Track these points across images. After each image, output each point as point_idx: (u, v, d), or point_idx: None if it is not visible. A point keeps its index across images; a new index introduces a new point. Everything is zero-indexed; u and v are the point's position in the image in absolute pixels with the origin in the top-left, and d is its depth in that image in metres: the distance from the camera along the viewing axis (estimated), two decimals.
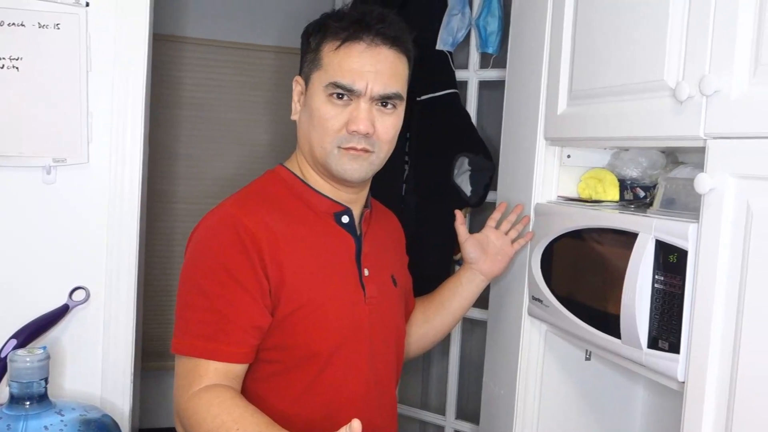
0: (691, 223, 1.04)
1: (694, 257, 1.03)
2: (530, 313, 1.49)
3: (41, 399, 1.11)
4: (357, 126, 1.10)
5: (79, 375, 1.35)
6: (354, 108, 1.11)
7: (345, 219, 1.18)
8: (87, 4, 1.28)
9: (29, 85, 1.26)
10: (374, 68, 1.11)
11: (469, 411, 2.11)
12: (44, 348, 1.14)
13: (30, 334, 1.26)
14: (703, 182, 0.99)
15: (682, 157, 1.39)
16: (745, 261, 0.94)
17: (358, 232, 1.21)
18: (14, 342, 1.24)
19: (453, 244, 2.08)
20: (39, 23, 1.24)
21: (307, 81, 1.16)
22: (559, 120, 1.42)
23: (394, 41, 1.14)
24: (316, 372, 1.11)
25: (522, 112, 1.57)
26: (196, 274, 1.08)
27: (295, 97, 1.18)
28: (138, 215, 1.36)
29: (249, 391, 1.10)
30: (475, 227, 2.17)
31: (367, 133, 1.11)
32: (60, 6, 1.25)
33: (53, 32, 1.25)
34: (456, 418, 2.14)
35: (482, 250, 1.46)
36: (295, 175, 1.19)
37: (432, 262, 1.95)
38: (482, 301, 1.92)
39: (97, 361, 1.36)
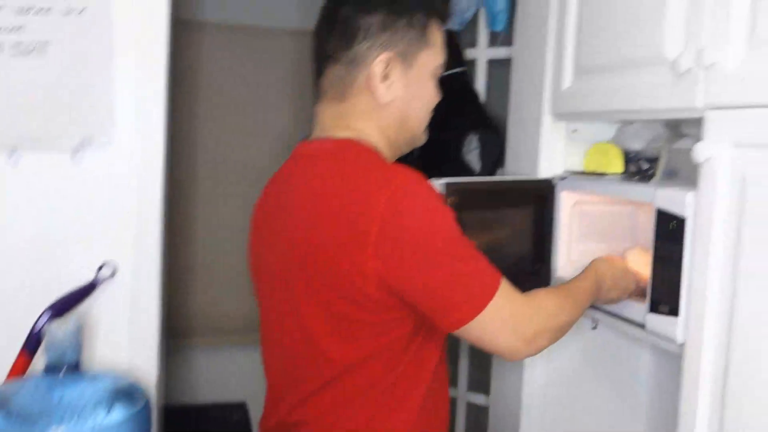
0: (689, 191, 1.08)
1: (692, 224, 1.07)
2: None
3: (74, 368, 1.17)
4: (439, 99, 1.16)
5: (108, 347, 1.41)
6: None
7: None
8: None
9: (56, 68, 1.31)
10: None
11: (483, 382, 2.16)
12: (76, 319, 1.20)
13: (61, 307, 1.33)
14: (700, 151, 1.03)
15: (685, 130, 1.43)
16: (740, 227, 0.98)
17: None
18: (48, 315, 1.31)
19: None
20: (66, 8, 1.29)
21: (407, 59, 1.08)
22: (565, 95, 1.46)
23: None
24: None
25: (529, 88, 1.61)
26: (451, 237, 1.00)
27: (380, 77, 1.07)
28: (162, 194, 1.42)
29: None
30: None
31: None
32: None
33: (78, 17, 1.30)
34: (468, 390, 2.20)
35: None
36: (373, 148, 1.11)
37: None
38: None
39: (123, 335, 1.42)
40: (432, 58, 1.11)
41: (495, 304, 0.99)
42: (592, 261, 1.26)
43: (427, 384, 1.09)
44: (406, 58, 1.08)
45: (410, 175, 0.99)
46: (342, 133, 1.09)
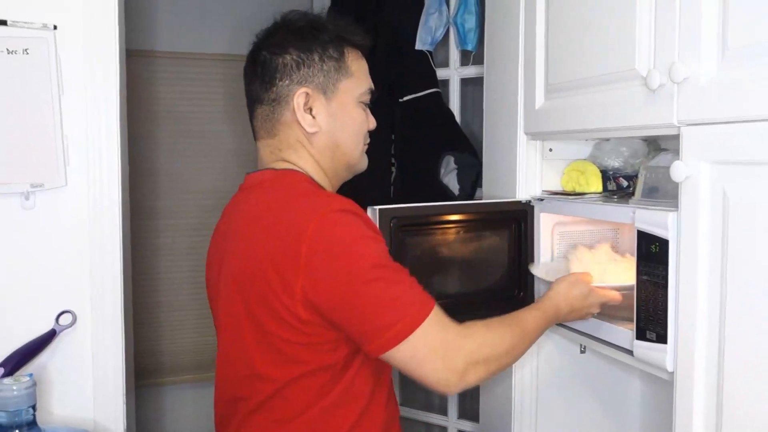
0: (671, 212, 1.03)
1: (676, 246, 1.02)
2: None
3: (30, 426, 1.10)
4: (373, 125, 1.19)
5: (71, 399, 1.34)
6: (367, 110, 1.18)
7: None
8: (55, 27, 1.27)
9: (2, 111, 1.25)
10: None
11: (473, 410, 2.10)
12: (30, 375, 1.13)
13: (18, 361, 1.26)
14: (678, 170, 0.98)
15: (664, 144, 1.39)
16: (725, 247, 0.93)
17: None
18: (2, 371, 1.23)
19: None
20: (7, 49, 1.23)
21: (328, 90, 1.12)
22: (538, 114, 1.41)
23: None
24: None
25: (501, 108, 1.57)
26: (380, 262, 1.00)
27: (302, 110, 1.11)
28: (120, 235, 1.35)
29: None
30: None
31: None
32: (27, 31, 1.25)
33: (23, 57, 1.24)
34: (458, 418, 2.14)
35: None
36: (310, 178, 1.14)
37: None
38: None
39: (87, 385, 1.35)
40: (354, 86, 1.15)
41: (424, 330, 0.97)
42: (553, 283, 1.24)
43: (363, 410, 1.07)
44: (326, 89, 1.13)
45: (341, 202, 1.02)
46: (279, 166, 1.14)
